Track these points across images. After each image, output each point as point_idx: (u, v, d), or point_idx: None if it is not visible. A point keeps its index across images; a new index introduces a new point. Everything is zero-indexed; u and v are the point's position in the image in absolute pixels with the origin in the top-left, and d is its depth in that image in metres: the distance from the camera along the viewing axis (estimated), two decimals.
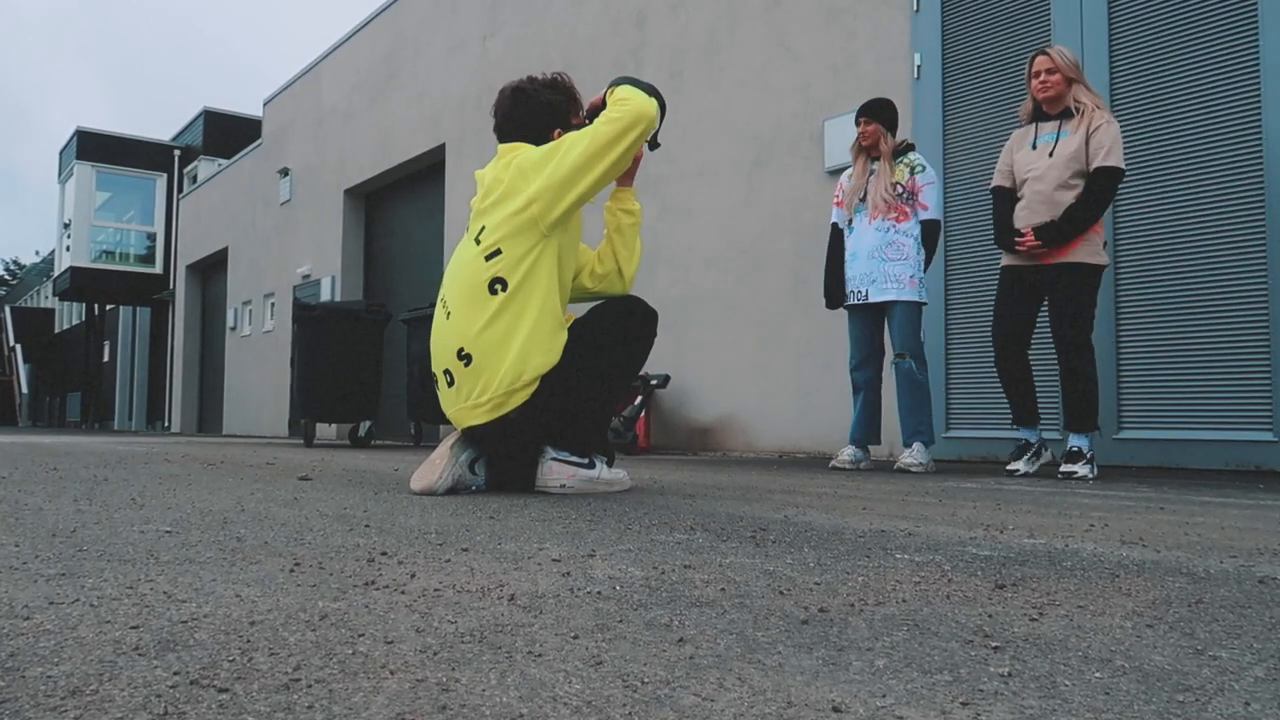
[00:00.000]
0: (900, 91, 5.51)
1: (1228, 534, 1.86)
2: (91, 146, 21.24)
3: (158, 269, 21.71)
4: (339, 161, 12.11)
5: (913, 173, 4.14)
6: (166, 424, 19.43)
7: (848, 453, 4.24)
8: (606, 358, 2.69)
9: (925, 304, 4.21)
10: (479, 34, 9.39)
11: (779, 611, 1.07)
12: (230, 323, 15.61)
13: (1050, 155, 3.69)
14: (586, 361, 2.64)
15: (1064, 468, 3.58)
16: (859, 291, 4.22)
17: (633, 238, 2.92)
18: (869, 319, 4.25)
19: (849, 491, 2.91)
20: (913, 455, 4.04)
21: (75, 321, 28.81)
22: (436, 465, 2.60)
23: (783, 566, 1.39)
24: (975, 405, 5.08)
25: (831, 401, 5.84)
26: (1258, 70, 4.15)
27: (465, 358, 2.61)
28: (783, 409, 6.17)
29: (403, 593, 1.15)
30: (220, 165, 17.82)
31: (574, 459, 2.67)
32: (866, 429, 4.27)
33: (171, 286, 19.38)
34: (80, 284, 21.19)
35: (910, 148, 4.23)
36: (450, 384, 2.70)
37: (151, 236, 21.93)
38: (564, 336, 2.64)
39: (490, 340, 2.57)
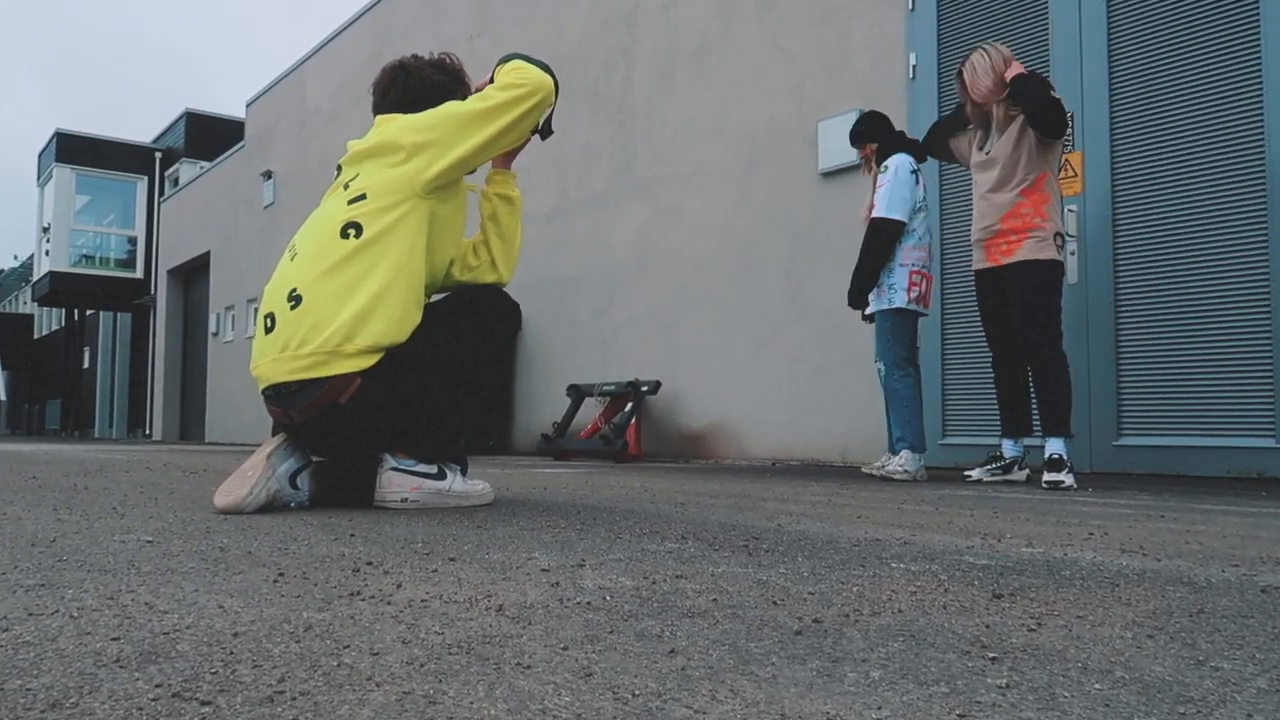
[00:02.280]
0: (895, 91, 5.53)
1: (1229, 542, 1.86)
2: (71, 149, 21.05)
3: (138, 274, 21.53)
4: (323, 164, 12.05)
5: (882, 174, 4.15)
6: (148, 431, 19.26)
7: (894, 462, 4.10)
8: (460, 348, 2.36)
9: (899, 308, 4.09)
10: (466, 34, 9.36)
11: (772, 622, 1.06)
12: (212, 328, 15.50)
13: (987, 154, 3.82)
14: (438, 350, 2.32)
15: (1048, 477, 3.50)
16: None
17: (511, 227, 2.63)
18: None
19: (843, 500, 2.90)
20: (895, 461, 4.05)
21: (55, 327, 28.56)
22: (248, 478, 2.18)
23: (776, 576, 1.37)
24: (972, 412, 5.08)
25: (825, 407, 5.84)
26: (1259, 71, 4.14)
27: (295, 299, 2.25)
28: (776, 415, 6.16)
29: (389, 603, 1.13)
30: (202, 168, 17.71)
31: (419, 468, 2.32)
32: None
33: (153, 291, 19.23)
34: (60, 289, 20.99)
35: (887, 153, 4.20)
36: (270, 329, 2.31)
37: (132, 240, 21.74)
38: (418, 318, 2.33)
39: (329, 287, 2.22)
